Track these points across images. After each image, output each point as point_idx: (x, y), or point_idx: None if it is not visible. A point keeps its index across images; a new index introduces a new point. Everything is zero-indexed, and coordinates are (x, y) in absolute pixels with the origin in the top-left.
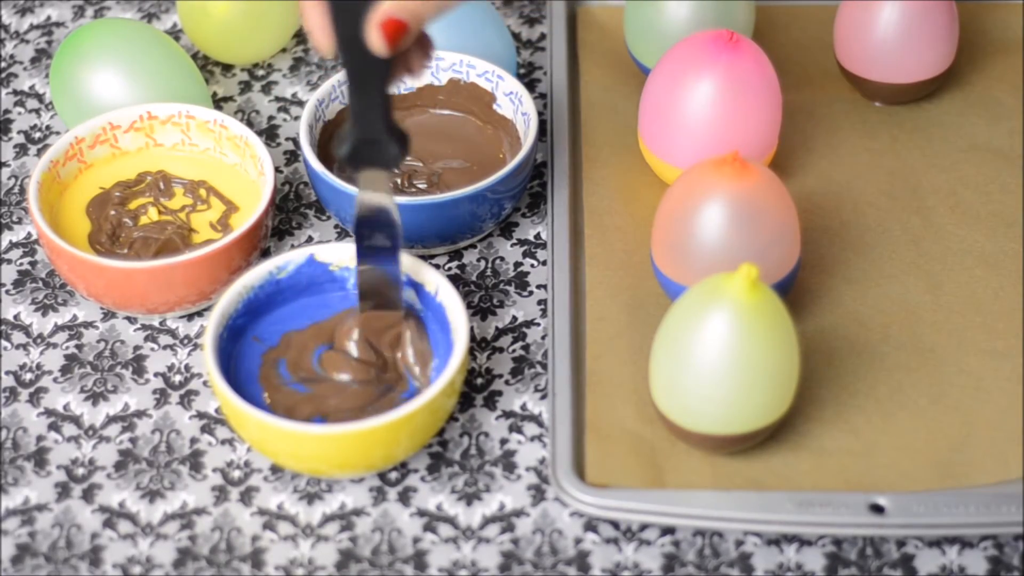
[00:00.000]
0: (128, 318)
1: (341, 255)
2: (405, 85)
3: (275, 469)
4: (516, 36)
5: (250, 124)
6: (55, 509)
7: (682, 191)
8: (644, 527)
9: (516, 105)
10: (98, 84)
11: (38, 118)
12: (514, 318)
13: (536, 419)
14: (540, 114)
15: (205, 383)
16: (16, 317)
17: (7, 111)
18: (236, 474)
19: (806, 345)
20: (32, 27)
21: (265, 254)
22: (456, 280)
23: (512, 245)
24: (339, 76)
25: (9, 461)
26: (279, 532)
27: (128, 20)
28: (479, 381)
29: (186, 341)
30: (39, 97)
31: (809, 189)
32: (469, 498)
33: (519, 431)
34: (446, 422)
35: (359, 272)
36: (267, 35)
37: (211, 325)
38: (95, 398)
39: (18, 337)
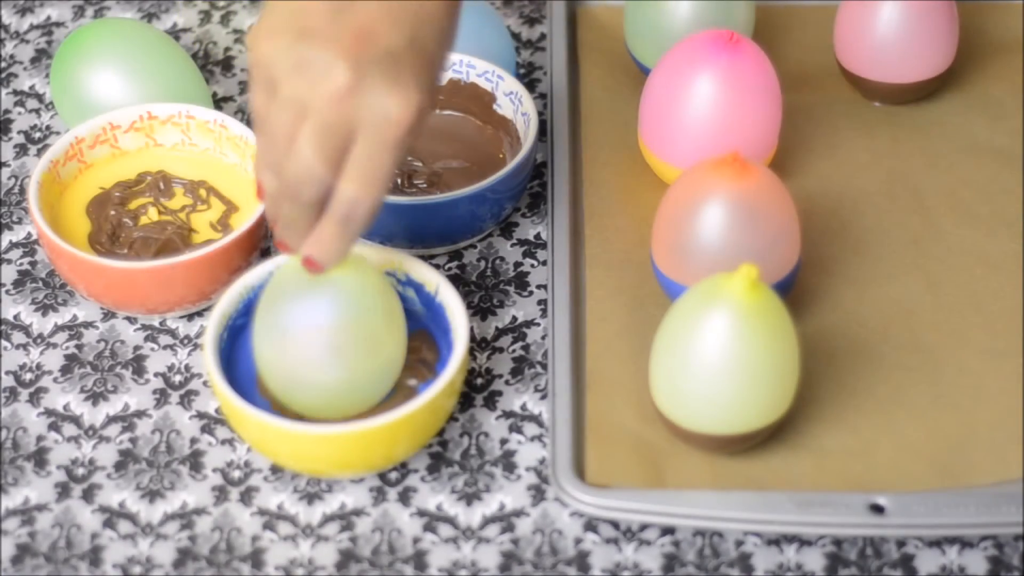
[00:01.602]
0: (128, 318)
1: None
2: None
3: (275, 469)
4: (516, 36)
5: (250, 124)
6: (55, 509)
7: (682, 191)
8: (644, 527)
9: (516, 105)
10: (98, 84)
11: (38, 118)
12: (514, 318)
13: (536, 419)
14: (540, 114)
15: (205, 383)
16: (16, 317)
17: (7, 111)
18: (236, 474)
19: (806, 345)
20: (32, 27)
21: (265, 254)
22: (456, 280)
23: (512, 245)
24: None
25: (9, 461)
26: (279, 532)
27: (128, 20)
28: (479, 381)
29: (186, 341)
30: (39, 97)
31: (809, 189)
32: (469, 498)
33: (519, 431)
34: (446, 422)
35: None
36: None
37: (211, 325)
38: (95, 398)
39: (18, 337)
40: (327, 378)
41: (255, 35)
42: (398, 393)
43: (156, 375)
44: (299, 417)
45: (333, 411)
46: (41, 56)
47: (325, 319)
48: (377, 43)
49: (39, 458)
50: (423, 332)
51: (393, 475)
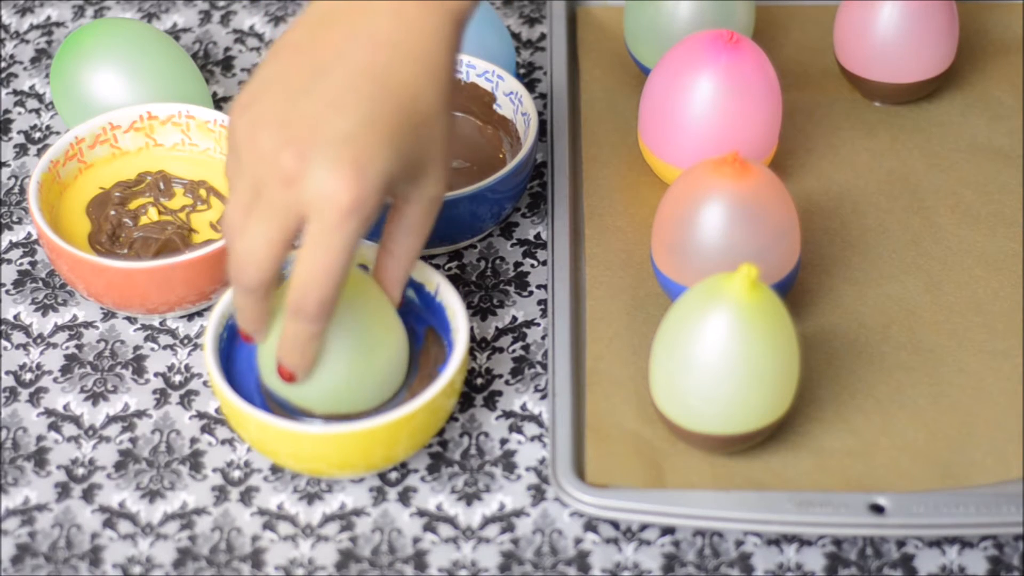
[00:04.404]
0: (128, 318)
1: None
2: None
3: (275, 469)
4: (516, 36)
5: None
6: (55, 509)
7: (682, 191)
8: (644, 527)
9: (516, 105)
10: (98, 84)
11: (38, 118)
12: (514, 318)
13: (536, 419)
14: (540, 114)
15: (205, 383)
16: (16, 317)
17: (7, 111)
18: (236, 474)
19: (806, 345)
20: (32, 27)
21: None
22: (456, 280)
23: (512, 245)
24: None
25: (9, 461)
26: (279, 532)
27: (128, 20)
28: (479, 381)
29: (186, 341)
30: (39, 97)
31: (809, 189)
32: (469, 498)
33: (519, 431)
34: (446, 422)
35: None
36: None
37: (211, 325)
38: (95, 398)
39: (18, 337)
40: (330, 375)
41: (237, 99)
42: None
43: (156, 375)
44: (302, 413)
45: (337, 406)
46: (41, 56)
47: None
48: (326, 129)
49: (39, 458)
50: (432, 330)
51: (393, 475)
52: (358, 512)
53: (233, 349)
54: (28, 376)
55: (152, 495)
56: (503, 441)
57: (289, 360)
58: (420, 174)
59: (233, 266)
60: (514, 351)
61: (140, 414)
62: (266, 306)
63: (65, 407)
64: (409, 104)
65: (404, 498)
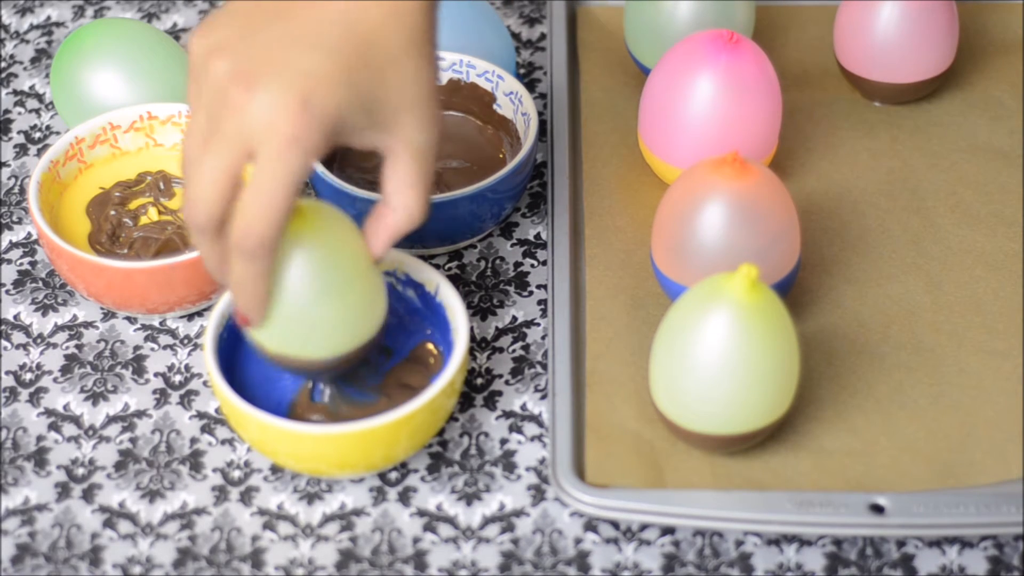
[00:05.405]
0: (128, 318)
1: None
2: None
3: (275, 469)
4: (516, 36)
5: None
6: (55, 509)
7: (682, 191)
8: (644, 527)
9: (516, 105)
10: (98, 84)
11: (38, 118)
12: (514, 318)
13: (536, 419)
14: (540, 114)
15: (205, 383)
16: (16, 317)
17: (7, 111)
18: (236, 474)
19: (806, 345)
20: (32, 27)
21: None
22: (456, 280)
23: (512, 245)
24: None
25: (9, 461)
26: (279, 532)
27: (128, 20)
28: (479, 381)
29: (186, 341)
30: (39, 97)
31: (809, 189)
32: (469, 498)
33: (519, 431)
34: (446, 422)
35: None
36: None
37: (211, 325)
38: (95, 398)
39: (18, 337)
40: (278, 313)
41: (198, 28)
42: (398, 393)
43: (156, 375)
44: (259, 349)
45: (287, 347)
46: (41, 56)
47: (295, 259)
48: (279, 61)
49: (39, 458)
50: (426, 342)
51: (393, 475)
52: (358, 512)
53: (233, 349)
54: (28, 376)
55: (152, 495)
56: (503, 441)
57: (240, 301)
58: (390, 119)
59: (186, 203)
60: (514, 351)
61: (140, 414)
62: (222, 247)
63: (65, 407)
64: (371, 45)
65: (404, 498)
